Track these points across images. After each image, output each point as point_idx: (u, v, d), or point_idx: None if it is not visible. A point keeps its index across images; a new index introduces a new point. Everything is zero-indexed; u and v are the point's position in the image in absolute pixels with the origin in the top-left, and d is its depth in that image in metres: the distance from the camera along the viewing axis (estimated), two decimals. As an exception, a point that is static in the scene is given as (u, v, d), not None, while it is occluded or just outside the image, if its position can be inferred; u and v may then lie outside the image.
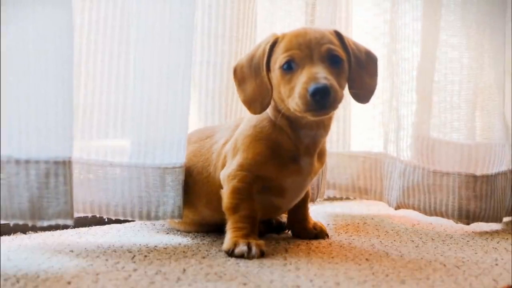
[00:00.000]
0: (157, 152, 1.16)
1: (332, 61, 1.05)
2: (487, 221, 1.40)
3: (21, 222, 1.00)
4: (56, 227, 1.24)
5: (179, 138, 1.17)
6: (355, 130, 1.66)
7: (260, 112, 1.11)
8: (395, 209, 1.48)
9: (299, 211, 1.24)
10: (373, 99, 1.57)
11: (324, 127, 1.13)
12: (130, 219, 1.18)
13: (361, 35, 1.63)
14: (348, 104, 1.62)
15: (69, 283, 0.88)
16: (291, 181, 1.13)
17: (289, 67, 1.05)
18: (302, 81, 1.01)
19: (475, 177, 1.38)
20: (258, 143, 1.12)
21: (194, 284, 0.89)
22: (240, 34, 1.39)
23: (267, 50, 1.09)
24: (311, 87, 0.99)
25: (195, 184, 1.19)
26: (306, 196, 1.25)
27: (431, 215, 1.42)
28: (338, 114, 1.61)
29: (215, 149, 1.19)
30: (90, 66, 1.16)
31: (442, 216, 1.41)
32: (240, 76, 1.12)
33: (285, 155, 1.11)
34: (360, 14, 1.63)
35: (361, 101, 1.14)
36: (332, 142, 1.60)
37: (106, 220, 1.27)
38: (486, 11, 1.42)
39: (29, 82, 0.99)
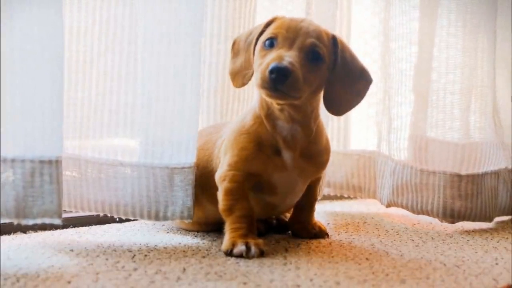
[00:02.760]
0: (165, 152, 1.16)
1: (311, 56, 1.05)
2: (473, 220, 1.40)
3: (6, 221, 1.00)
4: (56, 227, 1.24)
5: (188, 138, 1.17)
6: (352, 129, 1.66)
7: (240, 86, 1.13)
8: (386, 207, 1.49)
9: (303, 213, 1.24)
10: (370, 98, 1.60)
11: (298, 122, 1.11)
12: (139, 219, 1.18)
13: (361, 33, 1.63)
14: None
15: (69, 282, 0.88)
16: (278, 177, 1.12)
17: (270, 45, 1.06)
18: (269, 58, 1.03)
19: (459, 176, 1.39)
20: (241, 137, 1.12)
21: (194, 284, 0.89)
22: (235, 33, 1.38)
23: (262, 26, 1.11)
24: (272, 64, 1.00)
25: (200, 178, 1.19)
26: (313, 199, 1.24)
27: (418, 213, 1.43)
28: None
29: (217, 145, 1.19)
30: (101, 66, 1.17)
31: (428, 214, 1.42)
32: (236, 49, 1.15)
33: (267, 147, 1.11)
34: (360, 13, 1.63)
35: (333, 112, 1.14)
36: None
37: (106, 219, 1.27)
38: (479, 11, 1.42)
39: (16, 81, 0.99)
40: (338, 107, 1.13)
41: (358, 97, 1.14)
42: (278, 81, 0.99)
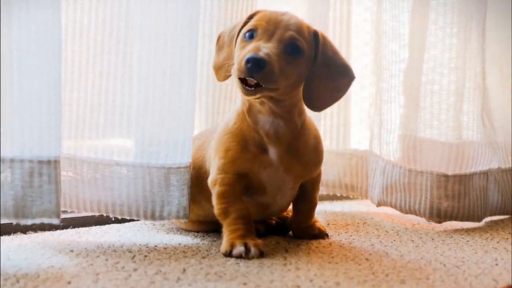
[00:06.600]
0: (161, 152, 1.16)
1: (290, 49, 1.04)
2: (461, 220, 1.41)
3: (5, 221, 1.00)
4: (56, 227, 1.24)
5: (184, 138, 1.17)
6: (345, 129, 1.66)
7: (223, 79, 1.14)
8: (377, 206, 1.50)
9: (303, 215, 1.23)
10: (367, 99, 1.60)
11: (280, 117, 1.10)
12: (135, 218, 1.18)
13: (360, 34, 1.63)
14: (347, 102, 1.62)
15: (69, 282, 0.88)
16: (266, 174, 1.12)
17: (250, 36, 1.06)
18: (247, 49, 1.03)
19: (446, 176, 1.40)
20: (225, 138, 1.12)
21: (194, 284, 0.89)
22: None
23: (244, 19, 1.11)
24: (248, 55, 1.00)
25: (197, 178, 1.19)
26: (312, 204, 1.23)
27: (406, 213, 1.44)
28: (332, 112, 1.61)
29: (210, 146, 1.19)
30: (97, 66, 1.17)
31: (415, 214, 1.43)
32: (221, 43, 1.16)
33: (252, 145, 1.11)
34: (360, 15, 1.63)
35: (312, 108, 1.12)
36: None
37: (106, 219, 1.27)
38: (469, 12, 1.43)
39: (14, 82, 0.99)
40: (316, 102, 1.11)
41: (338, 93, 1.13)
42: (253, 70, 0.99)
